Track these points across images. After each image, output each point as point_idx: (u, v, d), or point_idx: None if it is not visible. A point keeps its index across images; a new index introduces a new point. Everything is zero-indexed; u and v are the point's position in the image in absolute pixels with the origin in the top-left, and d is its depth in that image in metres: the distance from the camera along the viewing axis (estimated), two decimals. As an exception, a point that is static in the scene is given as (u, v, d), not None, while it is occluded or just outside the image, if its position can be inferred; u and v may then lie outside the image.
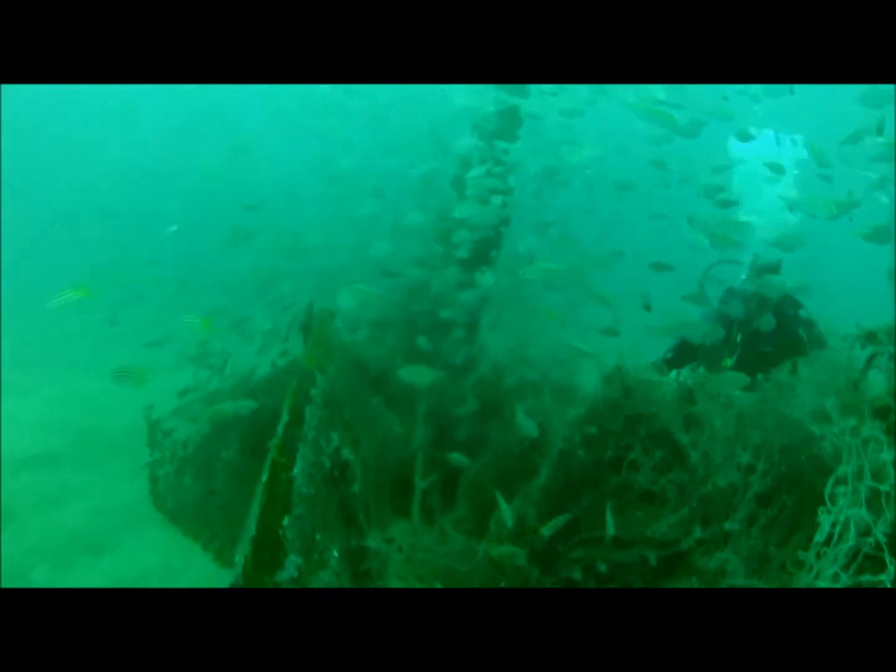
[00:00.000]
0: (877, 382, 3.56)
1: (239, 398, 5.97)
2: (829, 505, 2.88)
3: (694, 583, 3.60)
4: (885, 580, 2.61)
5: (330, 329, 5.06)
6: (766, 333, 5.55)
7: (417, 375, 5.29)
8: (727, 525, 3.69)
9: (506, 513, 3.76)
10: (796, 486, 3.66)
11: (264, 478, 3.30)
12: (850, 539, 2.72)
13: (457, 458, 4.52)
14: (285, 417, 3.65)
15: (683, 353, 5.72)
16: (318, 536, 3.33)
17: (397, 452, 4.86)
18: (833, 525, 2.80)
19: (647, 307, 5.35)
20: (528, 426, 3.96)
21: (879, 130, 5.15)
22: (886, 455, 2.92)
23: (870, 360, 3.74)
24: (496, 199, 5.46)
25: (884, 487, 2.82)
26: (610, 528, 3.61)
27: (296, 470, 3.33)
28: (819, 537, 2.81)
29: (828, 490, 2.94)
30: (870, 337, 3.93)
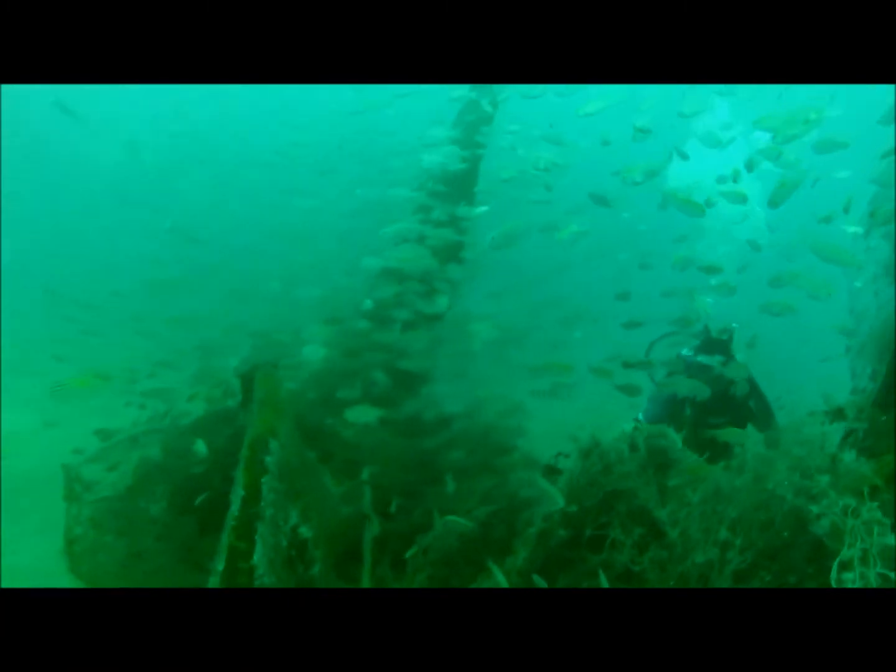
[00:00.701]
0: (852, 459, 3.52)
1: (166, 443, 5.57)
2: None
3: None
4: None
5: (277, 383, 4.70)
6: (715, 406, 5.44)
7: (361, 415, 5.24)
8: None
9: (503, 584, 3.45)
10: (774, 562, 3.58)
11: (220, 566, 2.95)
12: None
13: (454, 520, 4.13)
14: (241, 492, 3.31)
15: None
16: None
17: (346, 517, 4.55)
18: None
19: (628, 365, 5.30)
20: (555, 497, 3.64)
21: (846, 210, 5.22)
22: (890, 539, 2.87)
23: (846, 437, 3.72)
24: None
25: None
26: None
27: (256, 557, 3.00)
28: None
29: (833, 575, 2.85)
30: (838, 413, 3.92)
